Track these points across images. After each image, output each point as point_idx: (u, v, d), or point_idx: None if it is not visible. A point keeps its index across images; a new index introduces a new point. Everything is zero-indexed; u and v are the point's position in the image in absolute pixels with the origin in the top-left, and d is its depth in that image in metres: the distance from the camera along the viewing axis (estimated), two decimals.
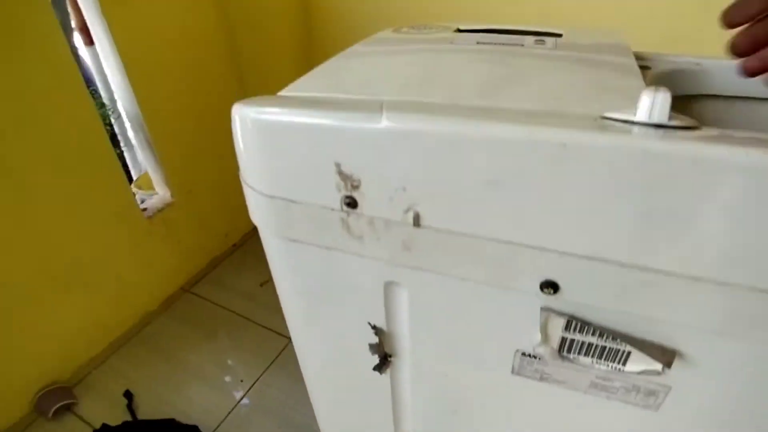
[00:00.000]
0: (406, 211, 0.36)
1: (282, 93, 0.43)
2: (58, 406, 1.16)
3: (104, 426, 1.12)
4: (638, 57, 0.70)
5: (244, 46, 1.41)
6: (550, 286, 0.35)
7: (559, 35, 0.54)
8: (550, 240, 0.33)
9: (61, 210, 1.11)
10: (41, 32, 0.97)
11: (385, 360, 0.49)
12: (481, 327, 0.41)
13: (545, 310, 0.37)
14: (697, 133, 0.29)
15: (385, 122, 0.33)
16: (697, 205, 0.28)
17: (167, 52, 1.23)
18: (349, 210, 0.38)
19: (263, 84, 1.45)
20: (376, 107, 0.34)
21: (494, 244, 0.34)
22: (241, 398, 1.18)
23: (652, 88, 0.30)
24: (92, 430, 1.12)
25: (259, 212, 0.43)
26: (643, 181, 0.28)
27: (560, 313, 0.36)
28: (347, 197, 0.37)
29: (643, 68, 0.66)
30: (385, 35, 0.58)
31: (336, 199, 0.38)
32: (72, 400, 1.19)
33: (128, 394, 1.21)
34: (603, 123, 0.30)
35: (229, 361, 1.28)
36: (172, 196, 1.37)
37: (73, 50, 1.59)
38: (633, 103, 0.30)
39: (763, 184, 0.26)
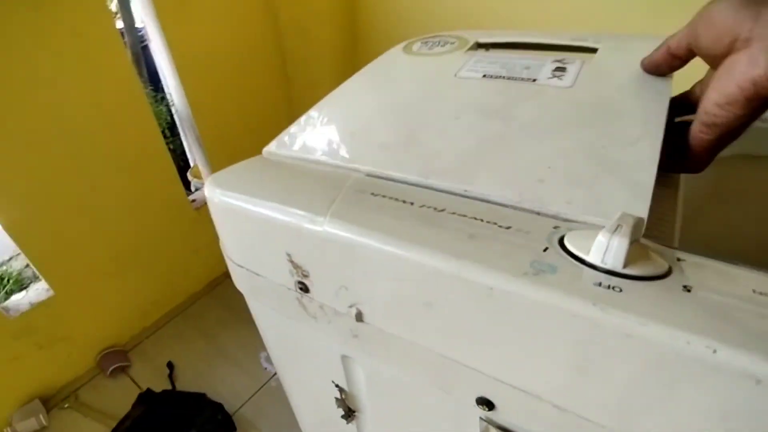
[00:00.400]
0: (350, 306, 0.34)
1: (268, 148, 0.42)
2: (115, 366, 1.28)
3: (148, 390, 1.21)
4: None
5: (291, 49, 1.41)
6: (485, 404, 0.32)
7: (594, 51, 0.45)
8: (483, 365, 0.30)
9: (124, 203, 1.20)
10: (102, 40, 1.02)
11: (350, 413, 0.49)
12: (429, 413, 0.39)
13: (484, 420, 0.34)
14: (652, 288, 0.24)
15: (326, 227, 0.31)
16: (632, 375, 0.24)
17: (218, 57, 1.26)
18: (302, 293, 0.37)
19: (310, 86, 1.45)
20: (324, 206, 0.32)
21: (431, 353, 0.32)
22: (263, 385, 1.23)
23: (614, 226, 0.26)
24: (138, 392, 1.21)
25: (233, 275, 0.43)
26: (572, 339, 0.25)
27: (499, 427, 0.33)
28: (300, 282, 0.36)
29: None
30: (394, 57, 0.53)
31: (291, 281, 0.37)
32: (126, 363, 1.31)
33: (170, 365, 1.30)
34: (546, 260, 0.26)
35: (258, 348, 1.33)
36: None
37: (139, 48, 1.67)
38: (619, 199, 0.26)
39: (707, 376, 0.22)
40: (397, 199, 0.33)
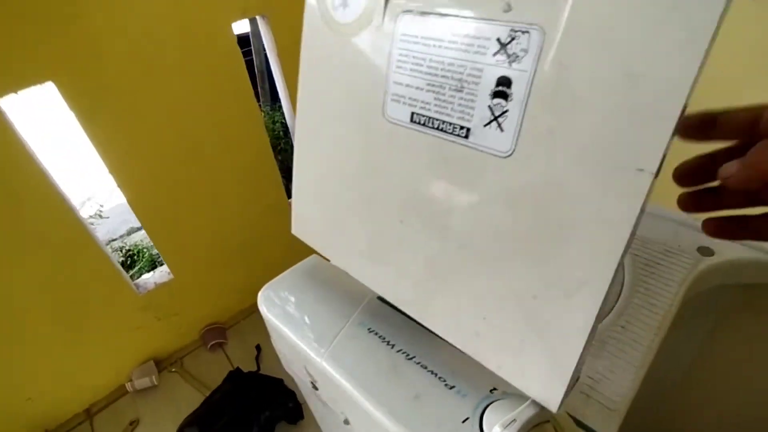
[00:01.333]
0: (341, 412, 0.51)
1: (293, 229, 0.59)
2: (214, 342, 1.63)
3: (237, 369, 1.54)
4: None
5: None
6: None
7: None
8: None
9: (235, 205, 1.53)
10: (227, 64, 1.30)
11: None
12: None
13: None
14: None
15: (323, 362, 0.48)
16: None
17: None
18: (314, 389, 0.55)
19: None
20: (327, 343, 0.49)
21: None
22: None
23: (509, 420, 0.39)
24: (229, 369, 1.55)
25: (278, 355, 0.62)
26: None
27: None
28: (312, 383, 0.54)
29: (704, 251, 0.63)
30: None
31: (308, 379, 0.55)
32: (224, 340, 1.66)
33: (258, 347, 1.62)
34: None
35: None
36: None
37: (264, 67, 1.99)
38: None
39: None
40: (383, 339, 0.49)
